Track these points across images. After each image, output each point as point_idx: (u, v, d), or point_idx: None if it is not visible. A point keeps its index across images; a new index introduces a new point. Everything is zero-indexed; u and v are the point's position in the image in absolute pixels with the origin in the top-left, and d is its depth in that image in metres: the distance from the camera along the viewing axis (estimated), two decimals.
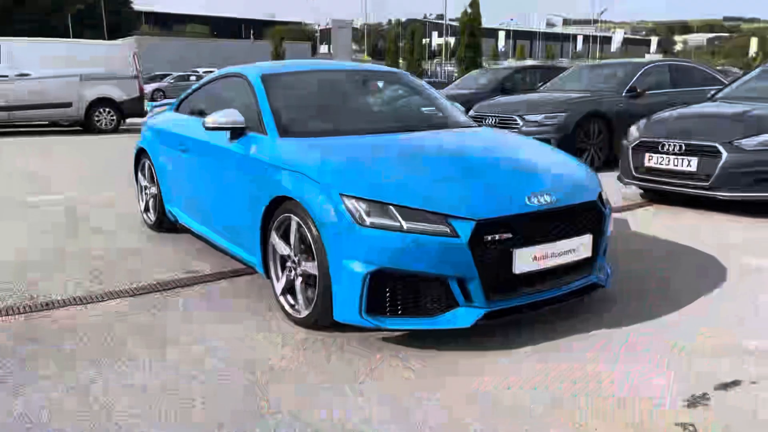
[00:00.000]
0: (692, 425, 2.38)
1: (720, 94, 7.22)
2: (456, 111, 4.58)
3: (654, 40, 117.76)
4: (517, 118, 8.57)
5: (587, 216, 3.29)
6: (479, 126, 4.48)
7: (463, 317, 2.95)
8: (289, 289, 3.40)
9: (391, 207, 2.92)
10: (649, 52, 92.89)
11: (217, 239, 4.24)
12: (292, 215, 3.24)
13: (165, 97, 35.27)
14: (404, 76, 4.84)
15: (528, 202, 3.06)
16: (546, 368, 2.86)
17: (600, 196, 3.46)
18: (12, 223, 5.73)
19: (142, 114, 15.47)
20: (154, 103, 6.12)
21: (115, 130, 14.93)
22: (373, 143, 3.67)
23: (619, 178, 6.70)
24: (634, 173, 6.41)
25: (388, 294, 2.94)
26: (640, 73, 9.15)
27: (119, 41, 15.85)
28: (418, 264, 2.88)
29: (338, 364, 2.91)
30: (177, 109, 5.22)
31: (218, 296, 3.82)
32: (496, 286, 3.00)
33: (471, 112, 9.45)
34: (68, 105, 14.31)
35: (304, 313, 3.25)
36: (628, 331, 3.27)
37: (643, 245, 4.91)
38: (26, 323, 3.39)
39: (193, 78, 37.32)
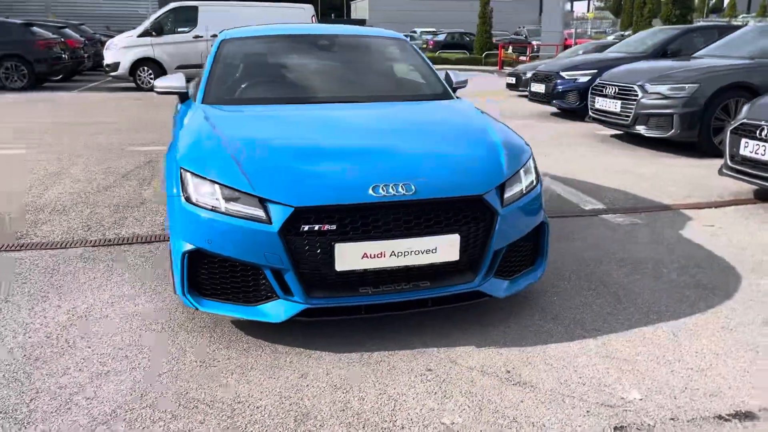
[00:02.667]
0: None
1: None
2: (433, 83, 4.13)
3: None
4: (637, 89, 7.41)
5: (458, 213, 2.79)
6: (455, 99, 3.99)
7: (278, 311, 2.72)
8: None
9: (217, 186, 2.76)
10: None
11: None
12: None
13: None
14: (397, 42, 4.46)
15: (371, 192, 2.68)
16: (344, 380, 2.53)
17: (501, 189, 2.90)
18: (80, 169, 6.46)
19: None
20: None
21: None
22: (275, 115, 3.50)
23: (720, 169, 5.51)
24: (729, 162, 5.22)
25: (207, 276, 2.81)
26: None
27: (304, 5, 16.67)
28: (232, 249, 2.70)
29: (140, 339, 2.88)
30: None
31: (158, 257, 3.96)
32: (320, 281, 2.71)
33: (597, 81, 8.39)
34: None
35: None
36: (490, 357, 2.75)
37: (660, 254, 4.03)
38: None
39: None
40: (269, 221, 2.63)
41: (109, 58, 15.16)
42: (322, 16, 76.87)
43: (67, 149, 7.45)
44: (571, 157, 7.19)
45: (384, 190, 2.69)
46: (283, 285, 2.69)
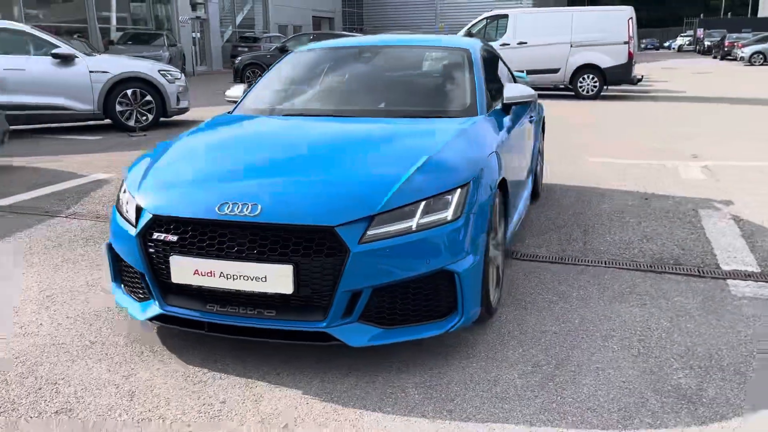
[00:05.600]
0: None
1: None
2: (462, 99, 3.67)
3: None
4: None
5: (296, 242, 2.53)
6: (468, 118, 3.47)
7: (144, 310, 2.88)
8: None
9: (127, 192, 3.03)
10: None
11: None
12: None
13: (766, 62, 31.34)
14: (456, 53, 4.01)
15: (217, 209, 2.64)
16: (146, 389, 2.58)
17: (370, 221, 2.53)
18: None
19: (628, 81, 14.99)
20: None
21: (596, 97, 14.94)
22: (246, 128, 3.68)
23: None
24: None
25: (121, 269, 3.10)
26: None
27: (624, 6, 15.33)
28: (120, 249, 2.96)
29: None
30: None
31: None
32: (171, 290, 2.78)
33: None
34: (555, 71, 15.11)
35: None
36: (291, 407, 2.45)
37: (703, 345, 2.86)
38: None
39: None
40: (135, 226, 2.81)
41: None
42: (724, 14, 68.62)
43: None
44: None
45: (229, 209, 2.62)
46: (148, 287, 2.84)
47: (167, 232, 2.71)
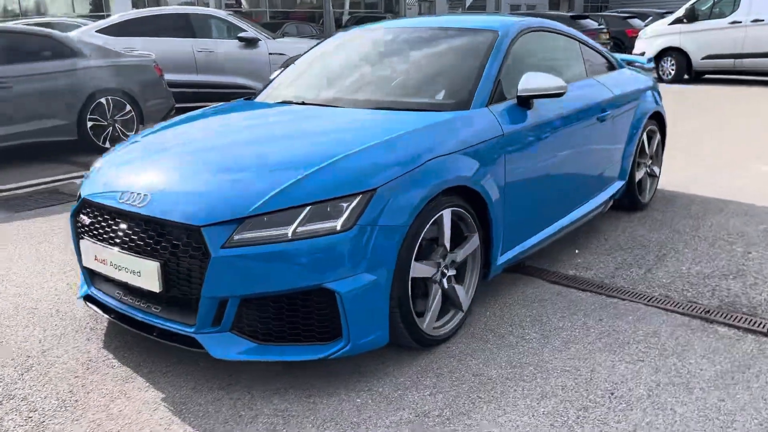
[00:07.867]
0: None
1: None
2: (459, 90, 3.12)
3: None
4: None
5: (166, 239, 2.38)
6: (450, 112, 2.94)
7: (81, 290, 2.96)
8: None
9: None
10: None
11: None
12: None
13: None
14: (483, 36, 3.38)
15: (119, 197, 2.60)
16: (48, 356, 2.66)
17: (238, 224, 2.29)
18: None
19: None
20: None
21: None
22: (230, 114, 3.53)
23: None
24: None
25: None
26: None
27: None
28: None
29: None
30: None
31: None
32: (93, 273, 2.82)
33: None
34: None
35: None
36: (141, 408, 2.31)
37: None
38: None
39: None
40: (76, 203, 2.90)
41: (638, 47, 14.73)
42: None
43: None
44: None
45: (127, 198, 2.57)
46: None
47: (86, 215, 2.74)
